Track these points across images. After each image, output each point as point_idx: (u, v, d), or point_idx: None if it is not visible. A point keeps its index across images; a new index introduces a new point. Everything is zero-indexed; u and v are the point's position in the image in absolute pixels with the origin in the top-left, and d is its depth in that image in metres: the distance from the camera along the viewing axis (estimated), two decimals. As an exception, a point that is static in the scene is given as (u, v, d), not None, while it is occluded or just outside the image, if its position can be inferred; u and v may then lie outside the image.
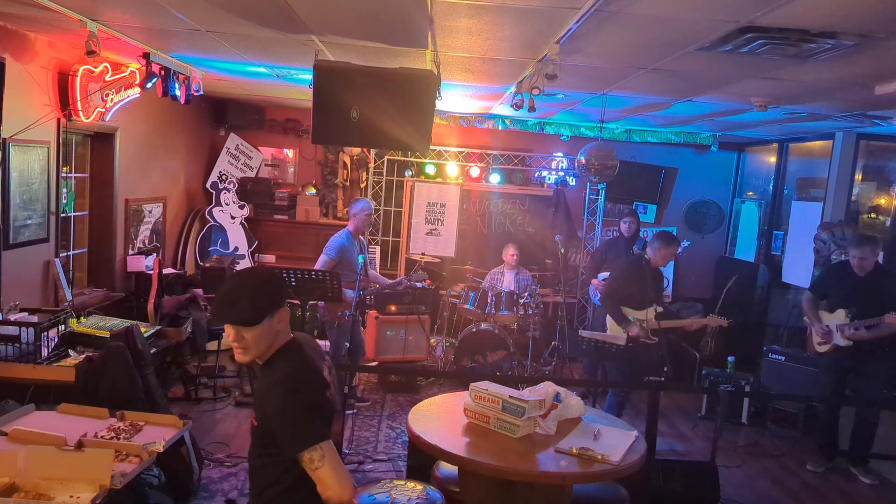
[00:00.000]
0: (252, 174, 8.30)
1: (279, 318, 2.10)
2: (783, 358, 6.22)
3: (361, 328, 6.13)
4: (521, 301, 6.69)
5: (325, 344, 6.31)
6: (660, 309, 5.06)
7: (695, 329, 5.47)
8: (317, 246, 8.08)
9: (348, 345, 5.20)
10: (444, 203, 8.27)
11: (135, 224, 6.33)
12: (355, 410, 5.78)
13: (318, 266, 5.42)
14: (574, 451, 2.91)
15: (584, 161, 5.91)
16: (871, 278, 5.02)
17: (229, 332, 2.07)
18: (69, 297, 5.05)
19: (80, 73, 4.93)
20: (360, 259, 5.45)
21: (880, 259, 5.33)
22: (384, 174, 8.38)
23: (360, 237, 5.72)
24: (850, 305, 5.03)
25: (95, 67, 5.08)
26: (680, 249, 6.36)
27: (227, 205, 7.67)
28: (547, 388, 3.27)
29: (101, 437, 3.21)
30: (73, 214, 5.62)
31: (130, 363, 4.15)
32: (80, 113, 4.99)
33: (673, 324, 5.21)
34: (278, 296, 2.13)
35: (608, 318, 5.29)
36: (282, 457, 2.04)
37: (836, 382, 5.23)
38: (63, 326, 4.38)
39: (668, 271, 8.38)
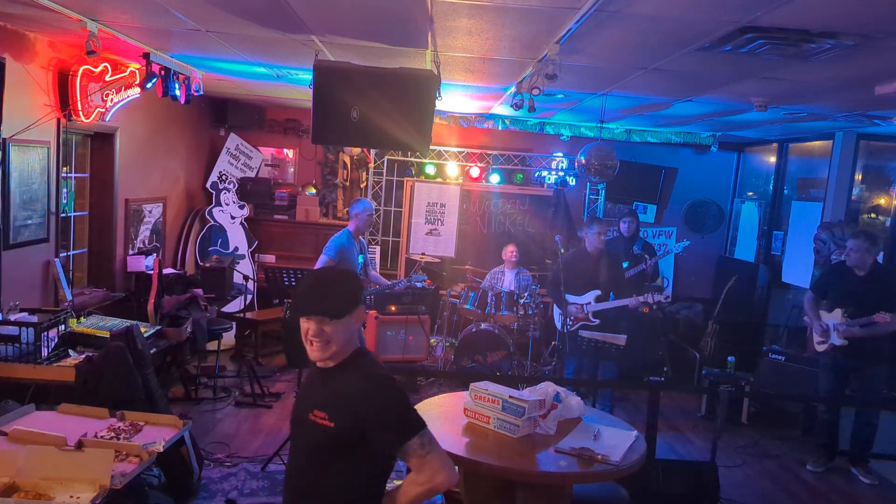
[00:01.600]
0: (252, 174, 8.29)
1: (357, 317, 2.12)
2: (783, 358, 6.22)
3: (362, 328, 6.13)
4: (521, 301, 6.69)
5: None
6: (598, 292, 5.47)
7: (638, 305, 5.43)
8: (317, 246, 8.07)
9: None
10: (444, 203, 8.26)
11: (135, 224, 6.33)
12: None
13: (317, 266, 5.42)
14: (574, 451, 2.91)
15: (584, 161, 5.91)
16: (870, 278, 5.03)
17: (310, 326, 2.05)
18: (69, 297, 5.05)
19: (80, 73, 4.93)
20: (360, 259, 5.44)
21: (880, 259, 5.33)
22: (384, 174, 8.38)
23: (361, 238, 5.72)
24: (848, 304, 5.03)
25: (95, 67, 5.08)
26: (680, 249, 6.37)
27: (227, 205, 7.67)
28: (547, 388, 3.27)
29: (101, 437, 3.21)
30: (73, 214, 5.62)
31: (130, 363, 4.15)
32: (80, 113, 4.99)
33: (611, 304, 5.48)
34: (358, 293, 2.14)
35: (554, 305, 5.73)
36: (360, 461, 2.03)
37: (835, 383, 5.23)
38: (63, 326, 4.37)
39: (668, 271, 8.40)
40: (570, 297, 5.53)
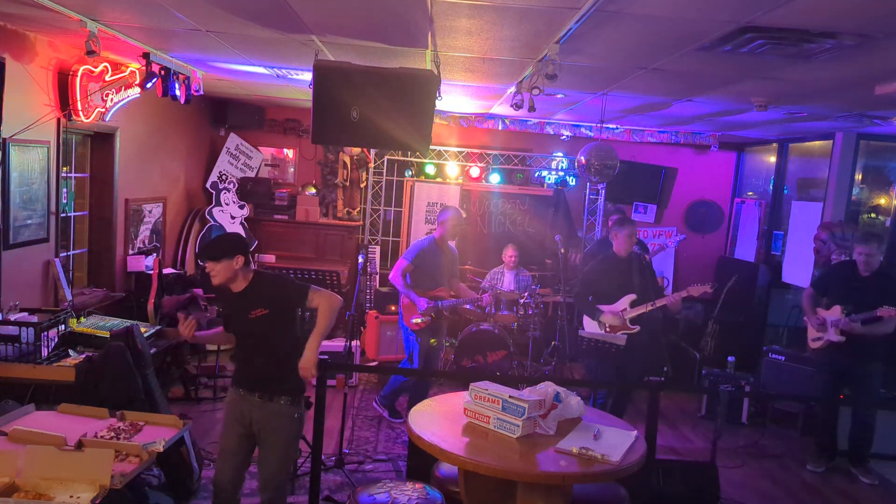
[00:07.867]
0: (252, 174, 8.30)
1: (235, 262, 3.22)
2: (783, 358, 6.22)
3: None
4: (521, 301, 6.69)
5: (334, 344, 6.26)
6: (633, 297, 5.08)
7: (678, 303, 5.14)
8: (317, 246, 8.08)
9: (349, 344, 5.16)
10: (444, 203, 8.26)
11: (135, 224, 6.33)
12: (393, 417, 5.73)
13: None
14: (574, 451, 2.91)
15: (584, 161, 5.91)
16: (872, 278, 5.03)
17: (206, 266, 3.30)
18: (69, 297, 5.05)
19: (80, 73, 4.93)
20: (362, 259, 5.41)
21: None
22: (384, 174, 8.38)
23: (451, 245, 5.59)
24: (848, 303, 5.03)
25: (95, 67, 5.08)
26: (675, 243, 6.33)
27: (227, 205, 7.67)
28: (547, 388, 3.27)
29: (101, 437, 3.21)
30: (73, 214, 5.62)
31: (130, 363, 4.15)
32: (80, 113, 4.99)
33: (652, 306, 5.09)
34: (230, 249, 3.23)
35: (584, 316, 5.28)
36: (287, 323, 3.35)
37: (832, 382, 5.24)
38: (63, 326, 4.37)
39: (668, 271, 8.40)
40: (604, 307, 5.15)
